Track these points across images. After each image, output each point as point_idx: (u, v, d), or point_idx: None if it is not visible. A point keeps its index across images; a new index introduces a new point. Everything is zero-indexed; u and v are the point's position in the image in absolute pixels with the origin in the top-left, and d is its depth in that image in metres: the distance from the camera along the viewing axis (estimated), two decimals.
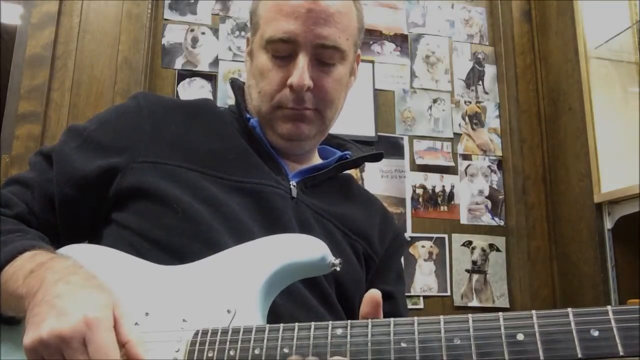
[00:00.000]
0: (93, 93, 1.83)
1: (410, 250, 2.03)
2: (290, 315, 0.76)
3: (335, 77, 0.92)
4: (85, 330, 0.58)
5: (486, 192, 2.16)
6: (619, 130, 1.92)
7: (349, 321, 0.58)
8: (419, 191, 2.09)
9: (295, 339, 0.59)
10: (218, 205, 0.82)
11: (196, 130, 0.91)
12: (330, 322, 0.59)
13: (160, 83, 1.97)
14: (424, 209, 2.08)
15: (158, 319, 0.69)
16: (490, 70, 2.29)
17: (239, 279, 0.71)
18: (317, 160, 1.02)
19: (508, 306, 2.06)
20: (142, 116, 0.90)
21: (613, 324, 0.47)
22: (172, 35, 2.01)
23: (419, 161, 2.11)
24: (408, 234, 2.03)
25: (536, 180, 2.12)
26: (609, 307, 0.48)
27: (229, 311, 0.67)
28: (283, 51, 0.88)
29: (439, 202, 2.10)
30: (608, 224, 1.82)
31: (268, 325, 0.62)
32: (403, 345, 0.54)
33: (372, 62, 2.16)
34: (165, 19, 2.02)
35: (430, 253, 2.04)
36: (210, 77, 2.00)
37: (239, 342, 0.62)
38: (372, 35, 2.18)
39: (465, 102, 2.23)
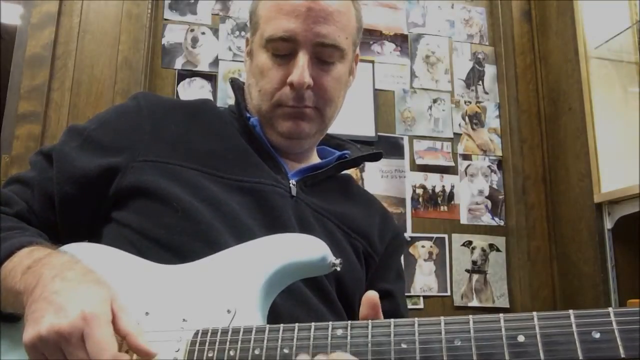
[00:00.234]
0: (93, 93, 1.83)
1: (410, 250, 2.03)
2: (290, 314, 0.76)
3: (335, 76, 0.92)
4: (83, 326, 0.59)
5: (486, 192, 2.16)
6: (619, 130, 1.92)
7: (349, 322, 0.58)
8: (419, 191, 2.09)
9: (295, 339, 0.59)
10: (218, 204, 0.83)
11: (196, 130, 0.91)
12: (331, 322, 0.59)
13: (160, 83, 1.97)
14: (424, 209, 2.08)
15: (158, 318, 0.69)
16: (490, 70, 2.29)
17: (239, 278, 0.71)
18: (316, 159, 1.02)
19: (508, 306, 2.06)
20: (142, 116, 0.90)
21: (614, 325, 0.47)
22: (172, 35, 2.01)
23: (419, 161, 2.11)
24: (408, 234, 2.04)
25: (536, 180, 2.12)
26: (610, 309, 0.48)
27: (229, 311, 0.67)
28: (283, 50, 0.89)
29: (439, 202, 2.10)
30: (608, 224, 1.82)
31: (268, 325, 0.62)
32: (403, 346, 0.54)
33: (372, 62, 2.16)
34: (165, 19, 2.02)
35: (430, 253, 2.04)
36: (210, 77, 2.00)
37: (239, 342, 0.62)
38: (372, 35, 2.18)
39: (465, 102, 2.23)
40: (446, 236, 2.08)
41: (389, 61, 2.19)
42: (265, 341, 0.60)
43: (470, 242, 2.09)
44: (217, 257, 0.75)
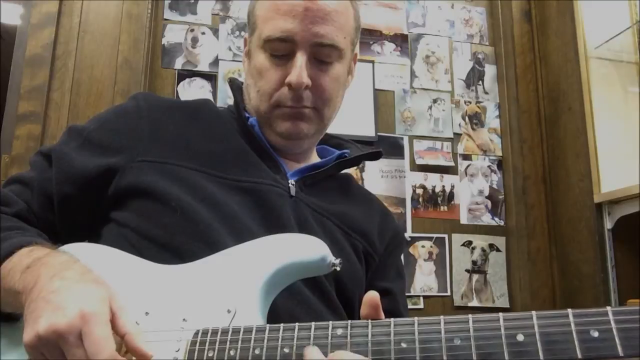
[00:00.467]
0: (93, 93, 1.83)
1: (410, 250, 2.03)
2: (289, 313, 0.76)
3: (333, 76, 0.92)
4: (82, 325, 0.59)
5: (486, 192, 2.16)
6: (619, 130, 1.92)
7: (349, 321, 0.58)
8: (419, 191, 2.09)
9: (295, 339, 0.59)
10: (217, 204, 0.83)
11: (195, 130, 0.91)
12: (331, 322, 0.59)
13: (160, 83, 1.97)
14: (424, 209, 2.08)
15: (158, 318, 0.69)
16: (490, 70, 2.29)
17: (239, 278, 0.71)
18: (315, 159, 1.02)
19: (508, 306, 2.06)
20: (141, 116, 0.90)
21: (613, 324, 0.48)
22: (172, 35, 2.01)
23: (419, 161, 2.11)
24: (408, 234, 2.04)
25: (536, 180, 2.12)
26: (608, 308, 0.48)
27: (229, 311, 0.68)
28: (281, 50, 0.89)
29: (439, 202, 2.10)
30: (608, 224, 1.82)
31: (268, 325, 0.62)
32: (403, 345, 0.55)
33: (372, 62, 2.16)
34: (165, 19, 2.02)
35: (430, 253, 2.04)
36: (210, 77, 2.00)
37: (239, 342, 0.62)
38: (372, 35, 2.18)
39: (465, 102, 2.23)
40: (446, 236, 2.08)
41: (389, 61, 2.19)
42: (265, 341, 0.60)
43: (470, 242, 2.10)
44: (217, 257, 0.75)
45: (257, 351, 0.60)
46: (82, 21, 1.87)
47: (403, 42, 2.23)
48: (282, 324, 0.61)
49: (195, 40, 2.02)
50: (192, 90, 1.97)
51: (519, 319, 0.51)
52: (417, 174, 2.11)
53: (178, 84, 1.97)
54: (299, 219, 0.87)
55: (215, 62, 2.02)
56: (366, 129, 2.06)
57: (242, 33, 2.06)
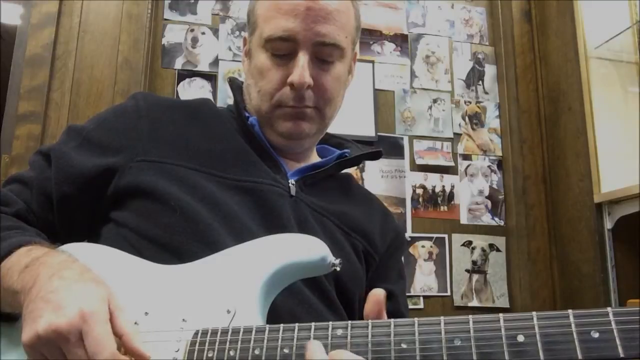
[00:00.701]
0: (93, 93, 1.83)
1: (410, 250, 2.03)
2: (289, 313, 0.76)
3: (335, 75, 0.92)
4: (82, 324, 0.59)
5: (486, 192, 2.16)
6: (619, 130, 1.92)
7: (349, 321, 0.58)
8: (419, 191, 2.09)
9: (295, 339, 0.59)
10: (217, 204, 0.82)
11: (195, 130, 0.91)
12: (331, 322, 0.59)
13: (160, 83, 1.97)
14: (424, 209, 2.08)
15: (157, 318, 0.69)
16: (490, 70, 2.29)
17: (238, 278, 0.71)
18: (316, 158, 1.02)
19: (508, 306, 2.06)
20: (140, 116, 0.90)
21: (613, 325, 0.47)
22: (172, 35, 2.01)
23: (419, 161, 2.11)
24: (408, 234, 2.04)
25: (536, 180, 2.12)
26: (609, 309, 0.48)
27: (228, 311, 0.67)
28: (282, 49, 0.88)
29: (439, 202, 2.10)
30: (608, 224, 1.82)
31: (268, 325, 0.62)
32: (403, 346, 0.54)
33: (372, 62, 2.16)
34: (165, 19, 2.02)
35: (430, 253, 2.04)
36: (210, 77, 2.00)
37: (239, 342, 0.62)
38: (372, 35, 2.18)
39: (465, 102, 2.23)
40: (446, 236, 2.08)
41: (389, 61, 2.19)
42: (265, 341, 0.60)
43: (470, 242, 2.09)
44: (217, 257, 0.75)
45: (256, 351, 0.60)
46: (82, 21, 1.87)
47: (403, 42, 2.23)
48: (281, 325, 0.61)
49: (195, 40, 2.02)
50: (192, 90, 1.97)
51: (520, 319, 0.51)
52: (417, 174, 2.11)
53: (178, 84, 1.97)
54: (299, 219, 0.87)
55: (215, 62, 2.02)
56: (366, 129, 2.06)
57: (242, 33, 2.05)
